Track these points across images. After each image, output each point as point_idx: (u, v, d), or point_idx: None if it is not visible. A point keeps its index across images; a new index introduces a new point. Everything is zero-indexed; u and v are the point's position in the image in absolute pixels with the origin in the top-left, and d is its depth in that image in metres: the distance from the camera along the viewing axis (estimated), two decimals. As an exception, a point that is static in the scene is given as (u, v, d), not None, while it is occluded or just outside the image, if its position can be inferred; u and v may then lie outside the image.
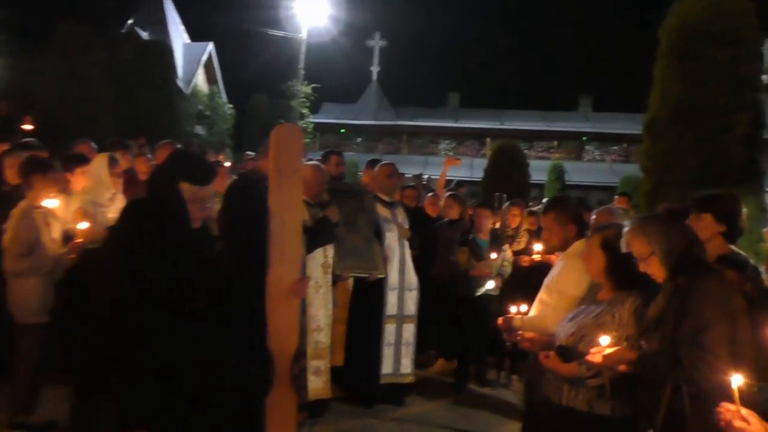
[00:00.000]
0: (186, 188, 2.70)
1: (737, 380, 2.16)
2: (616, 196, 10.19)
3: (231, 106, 29.23)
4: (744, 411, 2.12)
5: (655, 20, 8.87)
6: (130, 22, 26.60)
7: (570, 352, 3.26)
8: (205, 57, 30.15)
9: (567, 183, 27.58)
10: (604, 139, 35.30)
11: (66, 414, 4.91)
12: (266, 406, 3.02)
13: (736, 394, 2.14)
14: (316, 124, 30.66)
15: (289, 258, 3.30)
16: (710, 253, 3.40)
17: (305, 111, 28.06)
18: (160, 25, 27.72)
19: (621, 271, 3.30)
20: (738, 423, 2.10)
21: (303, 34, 26.60)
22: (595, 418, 3.18)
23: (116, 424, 2.44)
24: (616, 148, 35.31)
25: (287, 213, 3.32)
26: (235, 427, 2.80)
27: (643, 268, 3.03)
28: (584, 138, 35.46)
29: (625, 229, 3.13)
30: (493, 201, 8.39)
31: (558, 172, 26.99)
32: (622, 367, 2.97)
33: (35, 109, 12.53)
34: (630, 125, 32.21)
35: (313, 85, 27.80)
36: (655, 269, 2.99)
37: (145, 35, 25.43)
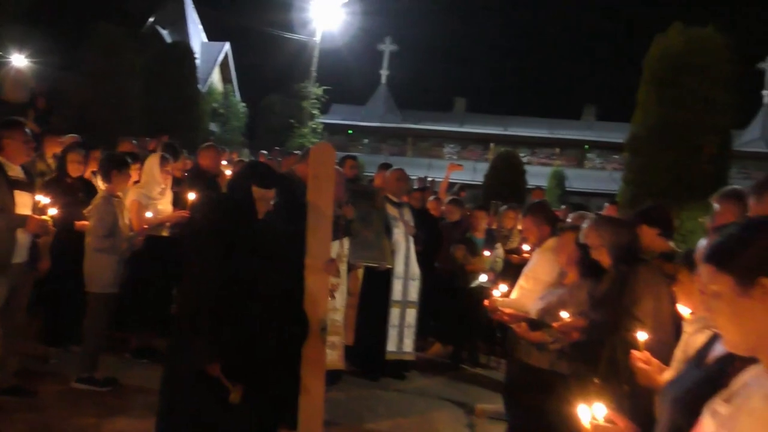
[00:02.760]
0: (255, 190, 3.58)
1: (642, 336, 3.05)
2: (606, 204, 10.98)
3: (244, 104, 29.79)
4: (647, 354, 2.99)
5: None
6: (151, 20, 27.30)
7: (538, 324, 4.20)
8: (221, 56, 30.64)
9: (568, 189, 27.86)
10: (605, 148, 35.61)
11: (123, 375, 5.84)
12: (302, 352, 3.98)
13: (642, 345, 3.02)
14: (325, 124, 31.22)
15: (322, 240, 4.30)
16: (656, 251, 4.35)
17: (315, 112, 28.72)
18: (179, 24, 28.29)
19: (584, 263, 4.23)
20: (641, 364, 2.97)
21: (317, 38, 27.47)
22: (556, 374, 4.12)
23: (201, 361, 3.37)
24: (617, 156, 35.56)
25: (322, 206, 4.33)
26: (280, 367, 3.71)
27: (594, 256, 3.96)
28: (586, 146, 35.86)
29: (584, 225, 4.06)
30: (490, 206, 9.25)
31: (559, 179, 27.22)
32: (575, 334, 3.88)
33: (69, 106, 13.35)
34: (631, 135, 32.71)
35: (325, 87, 28.29)
36: (603, 257, 3.92)
37: (165, 34, 26.18)
